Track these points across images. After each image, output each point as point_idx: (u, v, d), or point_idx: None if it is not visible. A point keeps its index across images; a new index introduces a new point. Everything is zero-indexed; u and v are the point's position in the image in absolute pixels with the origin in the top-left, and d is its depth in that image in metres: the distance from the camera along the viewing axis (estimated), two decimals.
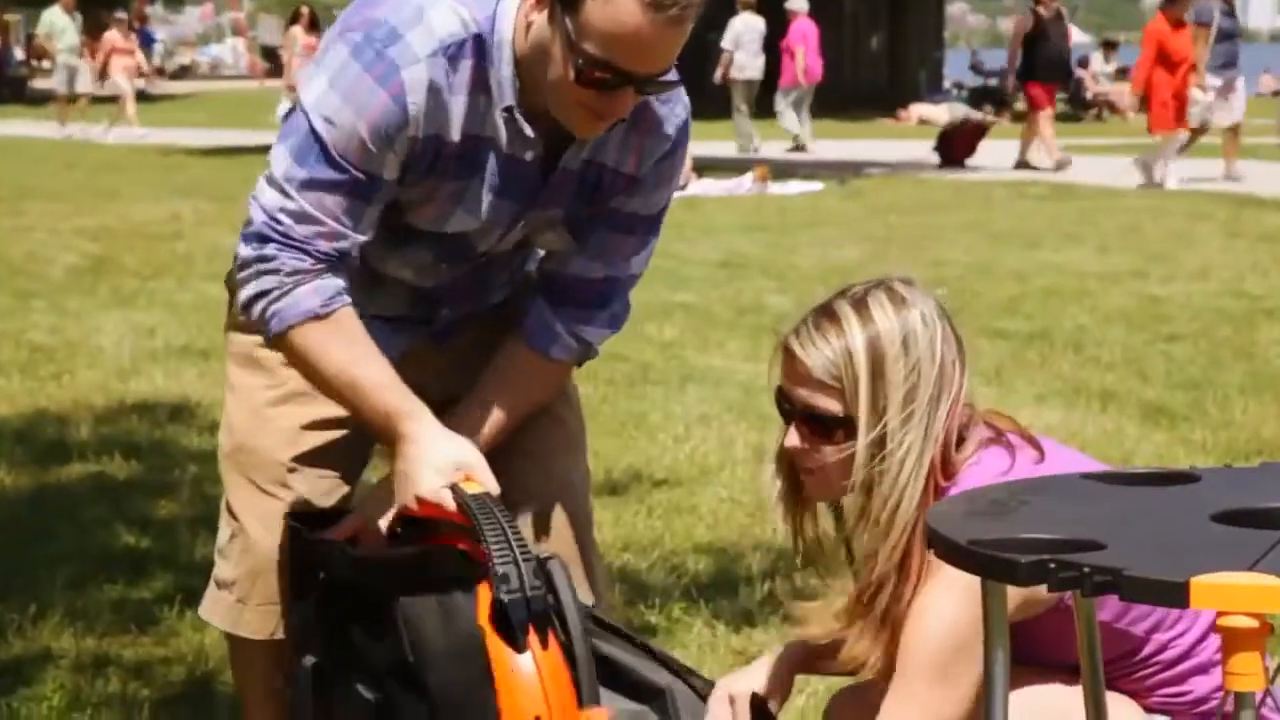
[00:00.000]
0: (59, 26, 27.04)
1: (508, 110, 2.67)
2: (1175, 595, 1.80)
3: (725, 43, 23.43)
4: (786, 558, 4.94)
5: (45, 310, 9.24)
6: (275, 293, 2.63)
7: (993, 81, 37.79)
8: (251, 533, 2.90)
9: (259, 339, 2.78)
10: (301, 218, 2.61)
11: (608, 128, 2.68)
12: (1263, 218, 13.85)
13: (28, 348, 8.13)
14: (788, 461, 2.69)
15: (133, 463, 5.95)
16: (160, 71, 44.53)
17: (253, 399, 2.93)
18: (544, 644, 2.50)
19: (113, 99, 27.07)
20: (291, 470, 2.89)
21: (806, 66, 23.33)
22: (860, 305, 2.56)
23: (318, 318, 2.63)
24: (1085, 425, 6.52)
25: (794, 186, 17.09)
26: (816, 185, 17.20)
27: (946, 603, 2.47)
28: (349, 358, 2.66)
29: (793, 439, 2.63)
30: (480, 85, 2.65)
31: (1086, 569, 1.86)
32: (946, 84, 40.14)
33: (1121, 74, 31.37)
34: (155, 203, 14.87)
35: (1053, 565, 1.89)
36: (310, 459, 2.90)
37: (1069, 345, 8.22)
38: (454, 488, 2.60)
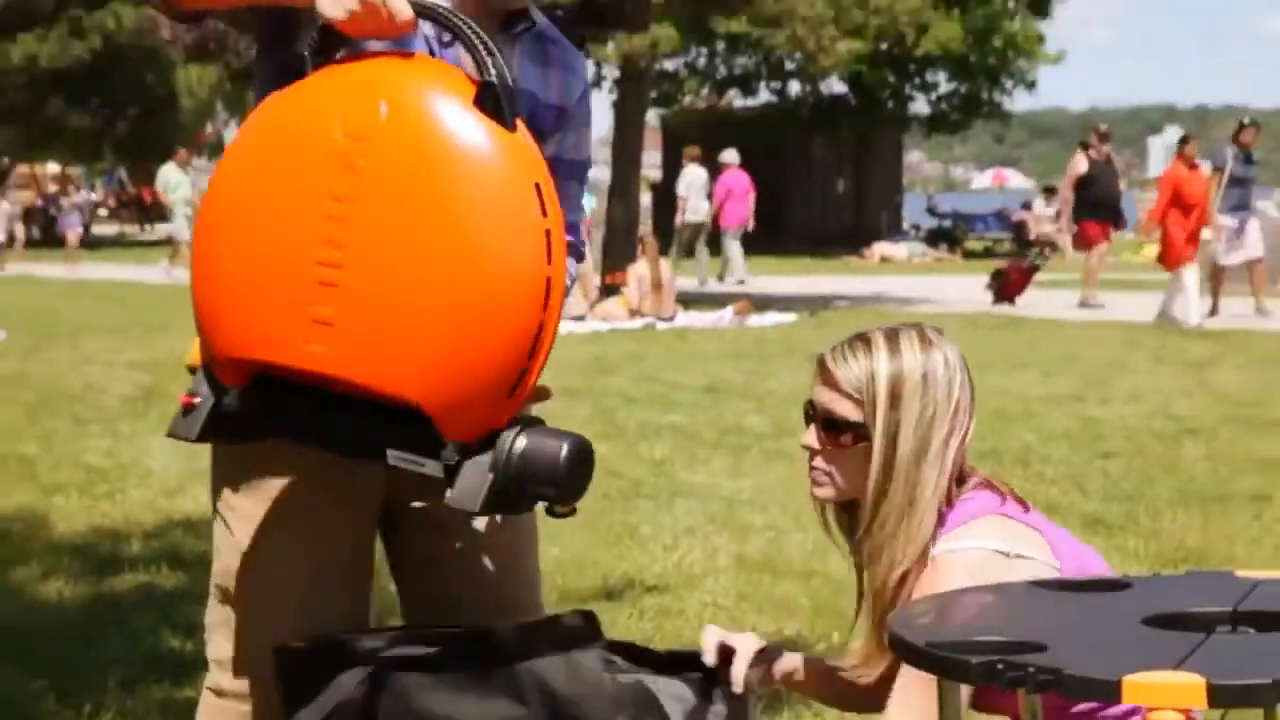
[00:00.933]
0: (174, 181, 27.15)
1: None
2: (1109, 692, 1.82)
3: (679, 189, 23.90)
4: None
5: (100, 435, 9.24)
6: None
7: (946, 223, 38.13)
8: None
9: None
10: None
11: None
12: (1187, 346, 13.92)
13: (84, 469, 8.12)
14: (811, 465, 2.72)
15: (179, 573, 5.93)
16: None
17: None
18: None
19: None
20: None
21: (729, 211, 23.89)
22: (892, 337, 2.62)
23: None
24: None
25: (770, 318, 17.15)
26: (790, 317, 17.28)
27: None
28: None
29: (810, 438, 2.68)
30: None
31: (1031, 669, 1.88)
32: (905, 225, 40.43)
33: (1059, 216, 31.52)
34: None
35: (1001, 666, 1.90)
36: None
37: (1016, 462, 8.23)
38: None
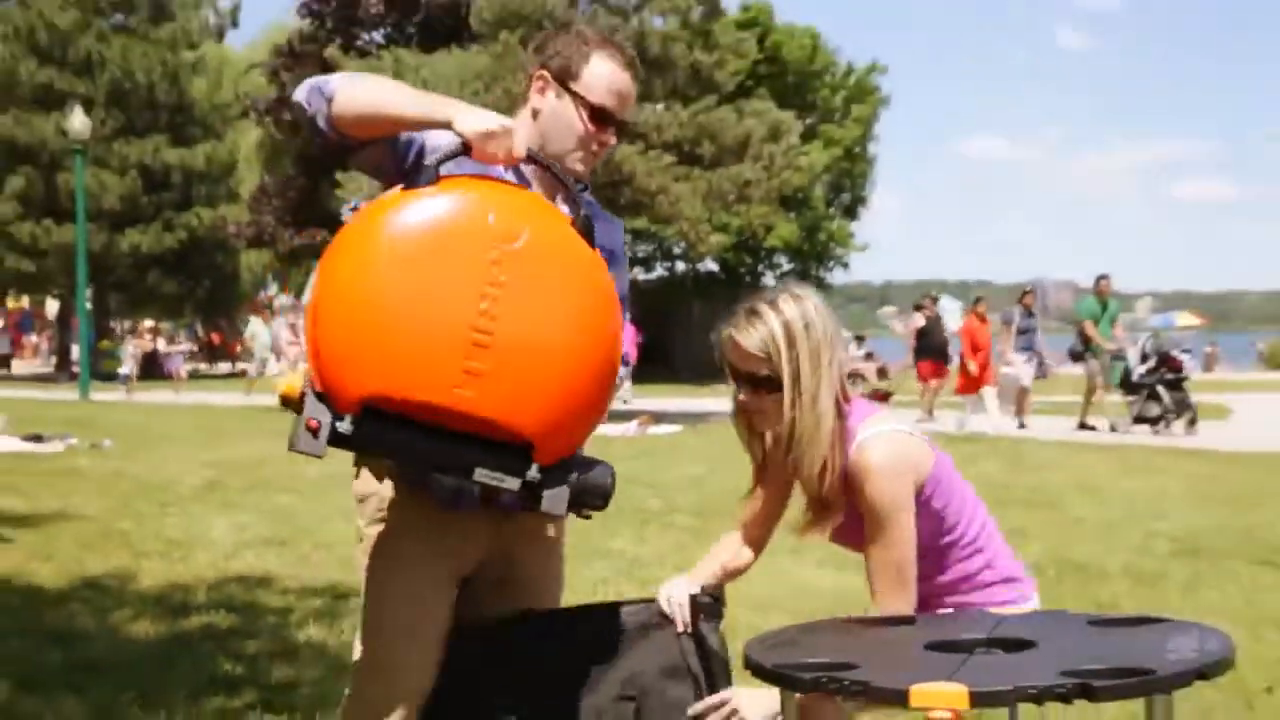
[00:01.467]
0: (258, 332, 27.15)
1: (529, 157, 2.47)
2: (901, 699, 1.80)
3: None
4: None
5: (177, 514, 9.06)
6: (323, 79, 2.43)
7: None
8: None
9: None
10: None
11: (591, 166, 2.60)
12: (956, 445, 14.05)
13: (164, 540, 7.95)
14: (742, 411, 2.71)
15: (233, 616, 5.80)
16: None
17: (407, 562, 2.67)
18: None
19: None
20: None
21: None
22: (773, 303, 2.63)
23: (347, 77, 2.43)
24: (854, 581, 6.50)
25: (665, 429, 17.15)
26: (678, 428, 17.28)
27: (878, 471, 2.56)
28: (400, 90, 2.40)
29: (742, 396, 2.67)
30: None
31: (846, 681, 1.86)
32: None
33: (869, 356, 31.80)
34: (252, 442, 14.70)
35: (824, 679, 1.89)
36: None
37: None
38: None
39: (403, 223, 2.25)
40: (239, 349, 43.05)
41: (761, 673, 2.02)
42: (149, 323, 40.15)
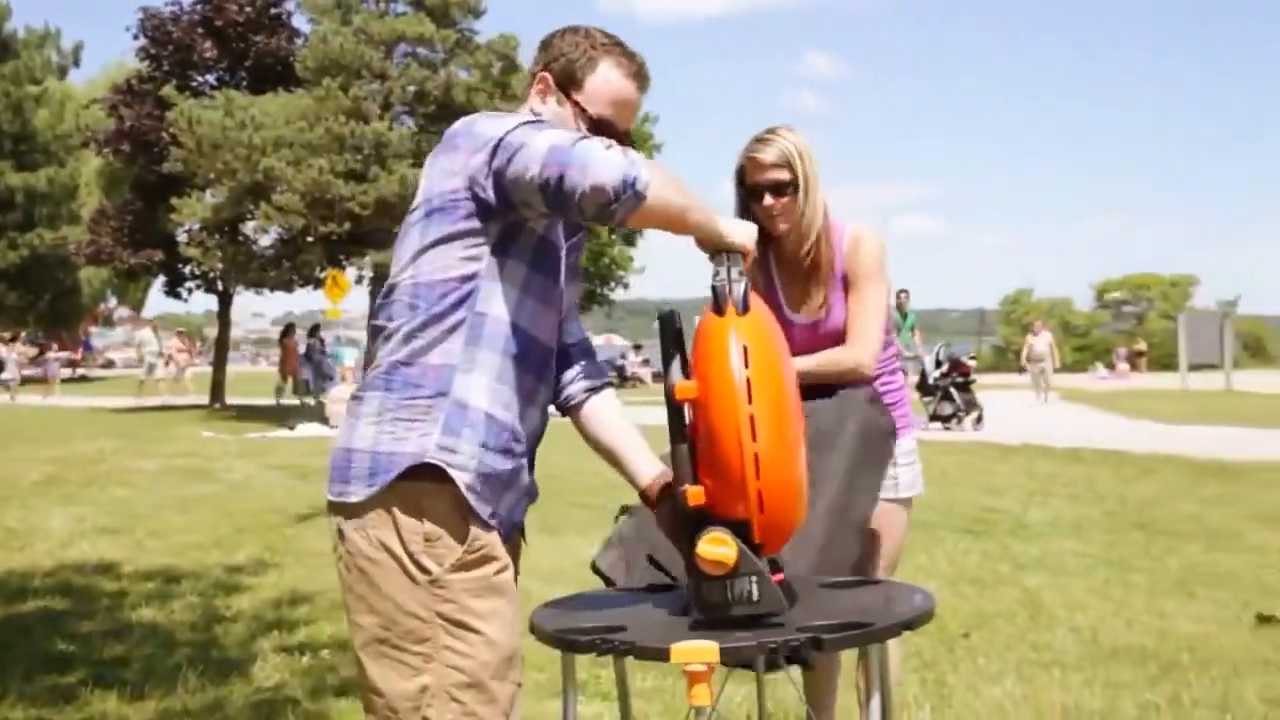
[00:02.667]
0: (146, 340, 26.05)
1: None
2: (663, 656, 1.79)
3: None
4: None
5: (16, 508, 8.46)
6: (630, 165, 1.81)
7: None
8: None
9: (493, 567, 1.94)
10: (596, 140, 1.88)
11: None
12: None
13: (3, 530, 7.43)
14: (766, 217, 2.75)
15: (67, 600, 5.45)
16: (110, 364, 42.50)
17: (507, 618, 1.95)
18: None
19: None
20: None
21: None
22: (776, 130, 2.76)
23: (655, 170, 1.85)
24: None
25: None
26: None
27: (873, 244, 2.78)
28: (686, 201, 1.90)
29: (768, 201, 2.74)
30: None
31: (617, 642, 1.85)
32: None
33: (645, 362, 32.13)
34: (92, 440, 13.89)
35: (599, 641, 1.87)
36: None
37: None
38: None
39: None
40: (80, 356, 40.75)
41: (544, 636, 1.99)
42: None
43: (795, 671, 1.84)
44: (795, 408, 1.91)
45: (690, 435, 1.91)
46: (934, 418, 16.03)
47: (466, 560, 1.92)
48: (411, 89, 19.28)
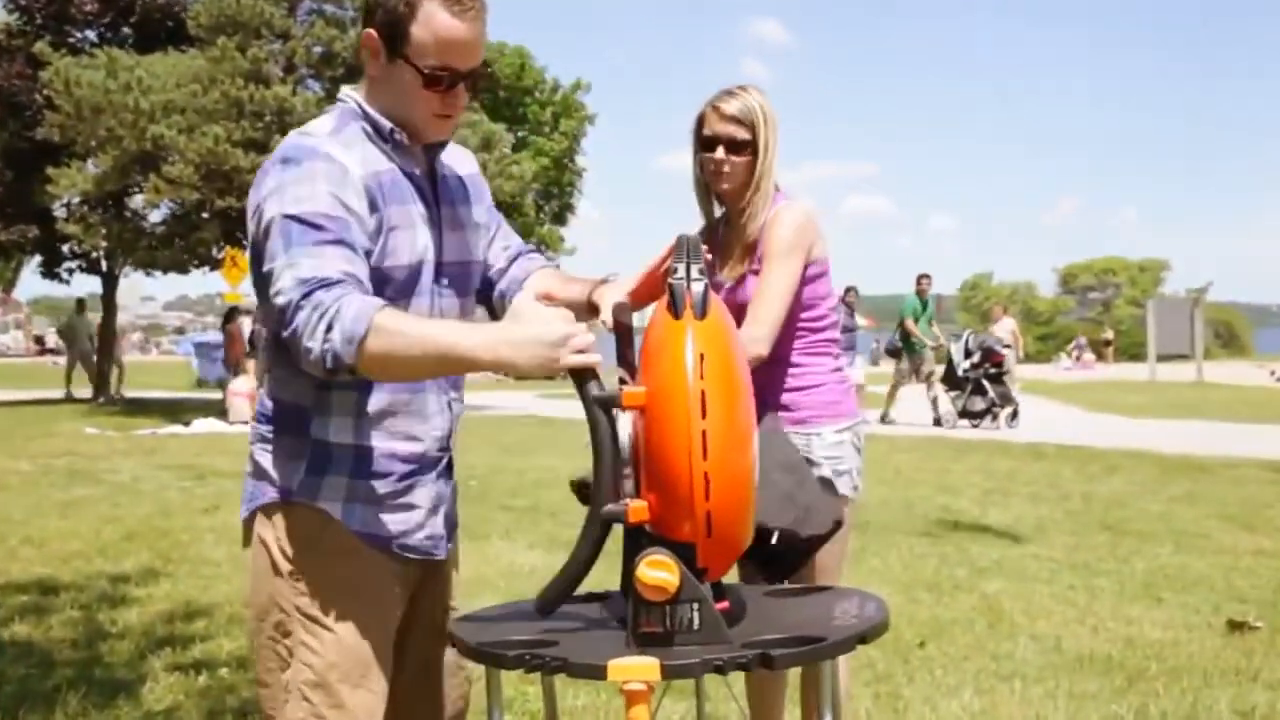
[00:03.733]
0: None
1: (391, 132, 2.10)
2: (599, 673, 1.79)
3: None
4: None
5: None
6: (332, 313, 1.85)
7: None
8: None
9: (352, 568, 2.09)
10: (315, 269, 1.90)
11: (453, 127, 2.14)
12: None
13: None
14: (713, 171, 2.91)
15: None
16: None
17: (362, 618, 2.10)
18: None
19: None
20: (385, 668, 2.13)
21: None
22: (745, 88, 2.89)
23: (380, 309, 1.87)
24: (554, 561, 6.52)
25: None
26: None
27: (788, 222, 2.87)
28: (423, 332, 1.88)
29: (719, 154, 2.88)
30: (370, 133, 2.10)
31: (547, 658, 1.84)
32: None
33: None
34: None
35: (527, 656, 1.86)
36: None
37: (548, 514, 8.27)
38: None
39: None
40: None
41: (468, 651, 1.98)
42: None
43: (739, 687, 1.85)
44: (750, 424, 1.90)
45: (633, 445, 1.90)
46: (964, 414, 15.40)
47: (326, 552, 2.09)
48: (318, 50, 19.04)
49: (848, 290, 15.98)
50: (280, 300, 1.91)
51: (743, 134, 2.85)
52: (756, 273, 2.87)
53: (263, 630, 2.13)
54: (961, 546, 7.09)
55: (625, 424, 1.89)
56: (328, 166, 2.00)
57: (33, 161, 19.94)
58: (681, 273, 1.91)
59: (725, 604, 1.95)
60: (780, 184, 2.94)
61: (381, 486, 2.12)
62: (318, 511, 2.10)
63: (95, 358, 22.89)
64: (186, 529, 7.67)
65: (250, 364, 19.62)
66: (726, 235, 2.97)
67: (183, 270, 21.10)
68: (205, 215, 19.01)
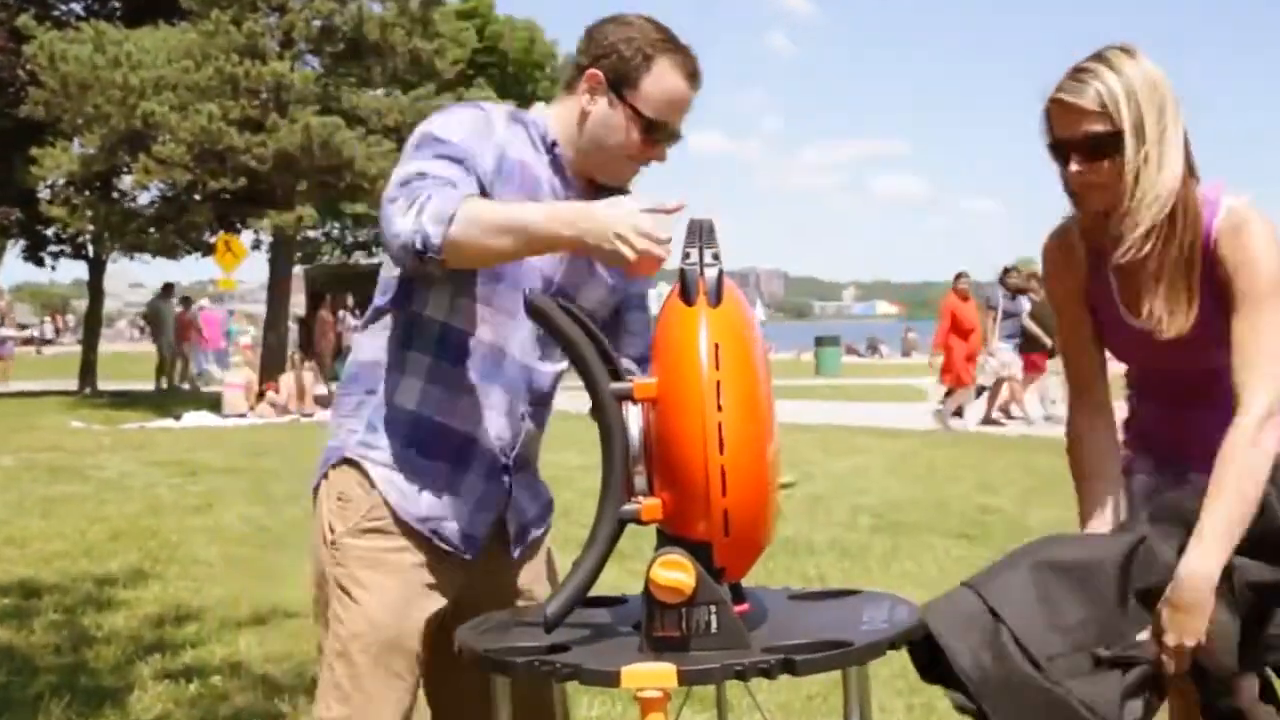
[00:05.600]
0: None
1: (551, 145, 2.26)
2: (612, 680, 1.78)
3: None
4: None
5: None
6: (424, 199, 2.04)
7: None
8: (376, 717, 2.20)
9: (388, 544, 2.22)
10: (421, 169, 2.10)
11: (632, 177, 2.31)
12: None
13: None
14: (1077, 192, 2.25)
15: None
16: None
17: (390, 598, 2.22)
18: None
19: None
20: (418, 658, 2.24)
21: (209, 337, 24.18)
22: (1102, 59, 2.19)
23: (468, 199, 2.04)
24: (568, 563, 6.53)
25: None
26: None
27: (1264, 245, 2.16)
28: (508, 209, 2.04)
29: (1075, 166, 2.19)
30: (533, 142, 2.27)
31: (559, 665, 1.84)
32: None
33: None
34: None
35: (537, 663, 1.86)
36: (426, 650, 2.26)
37: (562, 513, 8.24)
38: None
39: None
40: None
41: (473, 657, 1.97)
42: None
43: (763, 696, 1.84)
44: (769, 417, 1.89)
45: (644, 439, 1.89)
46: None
47: (364, 527, 2.24)
48: (317, 24, 19.04)
49: (1007, 271, 14.99)
50: (384, 199, 2.09)
51: (1099, 127, 2.16)
52: (1210, 307, 2.21)
53: (316, 599, 2.30)
54: (1001, 549, 7.03)
55: (635, 417, 1.88)
56: (475, 114, 2.21)
57: (16, 141, 20.00)
58: (694, 257, 1.89)
59: (745, 606, 1.94)
60: (1199, 176, 2.25)
61: (427, 464, 2.25)
62: (363, 476, 2.25)
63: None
64: (176, 528, 7.70)
65: (246, 354, 19.72)
66: (1134, 267, 2.25)
67: (173, 255, 21.19)
68: (197, 197, 19.07)
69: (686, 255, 1.90)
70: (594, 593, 2.24)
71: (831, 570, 6.45)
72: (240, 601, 5.70)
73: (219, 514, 8.26)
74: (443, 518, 2.26)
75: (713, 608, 1.85)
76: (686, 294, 1.88)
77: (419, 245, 2.02)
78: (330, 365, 22.70)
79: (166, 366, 23.34)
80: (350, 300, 23.81)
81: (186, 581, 6.15)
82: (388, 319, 2.27)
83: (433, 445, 2.25)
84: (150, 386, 22.75)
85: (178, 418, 16.20)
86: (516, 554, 2.37)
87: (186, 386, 21.77)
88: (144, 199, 20.27)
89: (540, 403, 2.36)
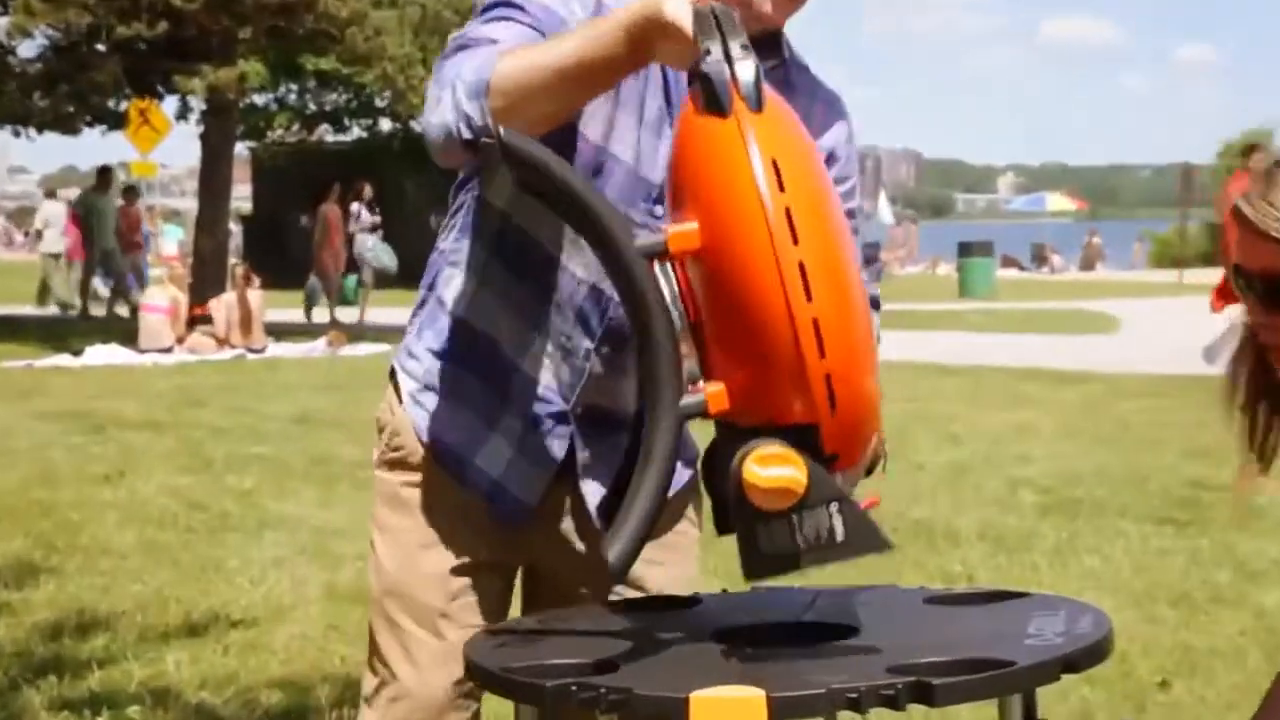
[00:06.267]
0: None
1: None
2: (677, 710, 1.80)
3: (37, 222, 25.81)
4: (353, 684, 4.83)
5: None
6: (453, 75, 2.16)
7: None
8: (402, 678, 2.47)
9: (407, 478, 2.49)
10: (464, 45, 2.21)
11: (789, 14, 2.37)
12: None
13: None
14: (1253, 343, 2.23)
15: None
16: None
17: (401, 541, 2.51)
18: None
19: None
20: (443, 615, 2.46)
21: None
22: None
23: (502, 56, 2.12)
24: None
25: (364, 349, 16.98)
26: (385, 347, 17.11)
27: None
28: (546, 47, 2.14)
29: (1257, 314, 2.15)
30: None
31: (603, 689, 1.85)
32: None
33: None
34: None
35: (574, 688, 1.87)
36: (460, 606, 2.48)
37: None
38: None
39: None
40: None
41: (490, 680, 2.00)
42: None
43: None
44: (852, 252, 1.91)
45: (685, 310, 1.89)
46: None
47: (388, 458, 2.52)
48: None
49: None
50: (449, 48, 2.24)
51: None
52: None
53: None
54: (1224, 540, 7.03)
55: (666, 282, 1.88)
56: None
57: None
58: (718, 53, 1.87)
59: (875, 499, 1.95)
60: None
61: (464, 385, 2.45)
62: (395, 392, 2.51)
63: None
64: (78, 504, 7.83)
65: (171, 265, 19.84)
66: None
67: (69, 129, 21.35)
68: (101, 48, 19.20)
69: (706, 53, 1.87)
70: (651, 590, 2.26)
71: (983, 566, 6.46)
72: (166, 605, 5.78)
73: (135, 485, 8.38)
74: (470, 458, 2.44)
75: (833, 506, 1.85)
76: (716, 102, 1.85)
77: (465, 133, 2.11)
78: (338, 282, 22.74)
79: (89, 285, 23.53)
80: (367, 190, 23.75)
81: (92, 577, 6.25)
82: (457, 202, 2.48)
83: (475, 363, 2.44)
84: (34, 311, 23.00)
85: (78, 353, 16.34)
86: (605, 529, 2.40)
87: (124, 312, 21.84)
88: (26, 50, 20.41)
89: (615, 343, 2.39)
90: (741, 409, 1.86)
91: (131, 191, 24.03)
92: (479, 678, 2.03)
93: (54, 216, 25.19)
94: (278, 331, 17.74)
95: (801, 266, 1.79)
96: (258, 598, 5.96)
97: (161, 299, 17.31)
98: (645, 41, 2.03)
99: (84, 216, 23.08)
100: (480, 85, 2.10)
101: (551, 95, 2.12)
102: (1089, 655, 1.92)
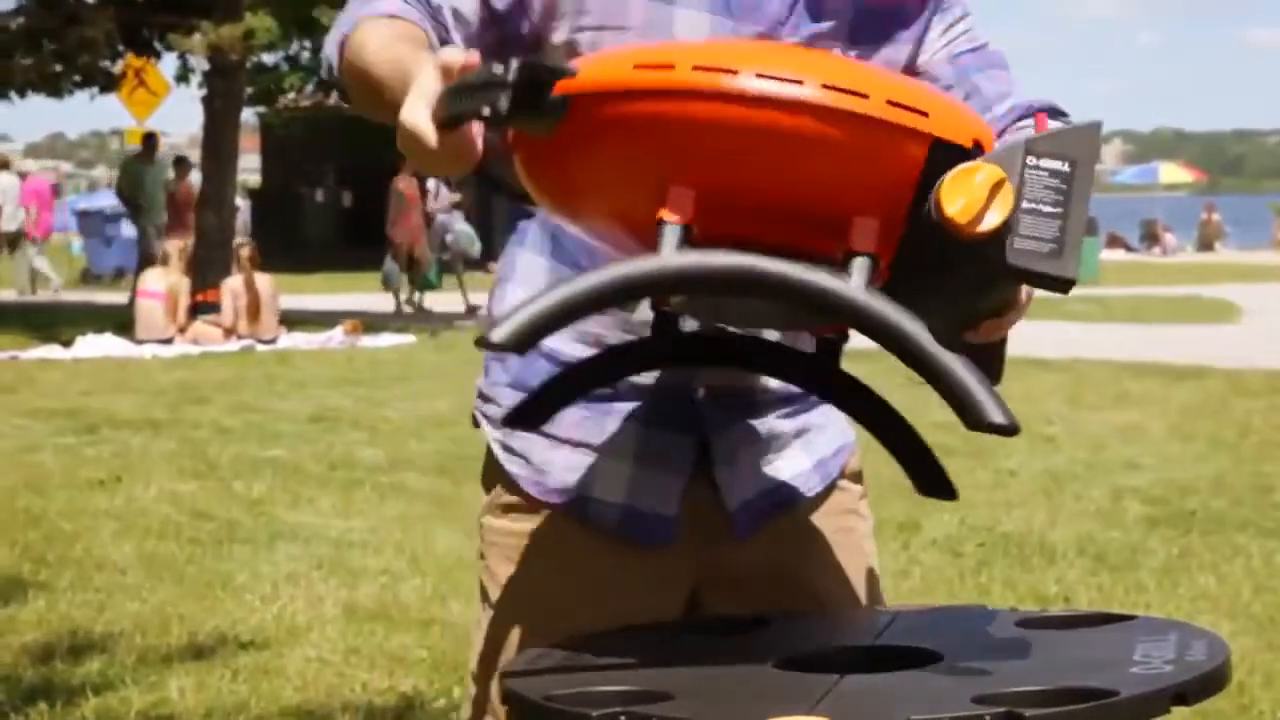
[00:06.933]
0: None
1: None
2: None
3: None
4: (375, 713, 4.87)
5: None
6: (352, 3, 2.19)
7: None
8: None
9: (528, 527, 2.35)
10: None
11: None
12: None
13: None
14: None
15: None
16: None
17: (535, 603, 2.39)
18: None
19: None
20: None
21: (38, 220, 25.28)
22: None
23: (378, 15, 2.11)
24: None
25: (386, 339, 16.99)
26: (409, 338, 17.14)
27: None
28: (383, 55, 2.07)
29: None
30: None
31: (656, 719, 1.88)
32: None
33: None
34: None
35: (623, 718, 1.90)
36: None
37: None
38: None
39: None
40: None
41: (531, 711, 2.02)
42: None
43: None
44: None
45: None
46: None
47: (501, 502, 2.37)
48: None
49: None
50: None
51: None
52: None
53: None
54: None
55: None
56: None
57: None
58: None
59: None
60: None
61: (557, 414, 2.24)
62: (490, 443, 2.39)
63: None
64: (69, 513, 7.88)
65: (174, 246, 19.82)
66: None
67: (54, 92, 21.37)
68: (90, 2, 19.23)
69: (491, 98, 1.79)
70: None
71: (1082, 585, 6.44)
72: (168, 625, 5.82)
73: (133, 491, 8.42)
74: (587, 493, 2.32)
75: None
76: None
77: (324, 72, 2.21)
78: (420, 264, 22.39)
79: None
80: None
81: (85, 594, 6.28)
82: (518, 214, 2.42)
83: (556, 381, 2.23)
84: (18, 297, 23.07)
85: (68, 344, 16.35)
86: (745, 535, 2.35)
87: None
88: (6, 2, 20.47)
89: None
90: None
91: (183, 164, 23.19)
92: (521, 709, 2.05)
93: (7, 190, 25.32)
94: (290, 320, 17.68)
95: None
96: (269, 617, 5.98)
97: (158, 283, 17.14)
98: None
99: (128, 190, 22.46)
100: (338, 41, 2.17)
101: (370, 101, 2.16)
102: (1203, 686, 1.93)
